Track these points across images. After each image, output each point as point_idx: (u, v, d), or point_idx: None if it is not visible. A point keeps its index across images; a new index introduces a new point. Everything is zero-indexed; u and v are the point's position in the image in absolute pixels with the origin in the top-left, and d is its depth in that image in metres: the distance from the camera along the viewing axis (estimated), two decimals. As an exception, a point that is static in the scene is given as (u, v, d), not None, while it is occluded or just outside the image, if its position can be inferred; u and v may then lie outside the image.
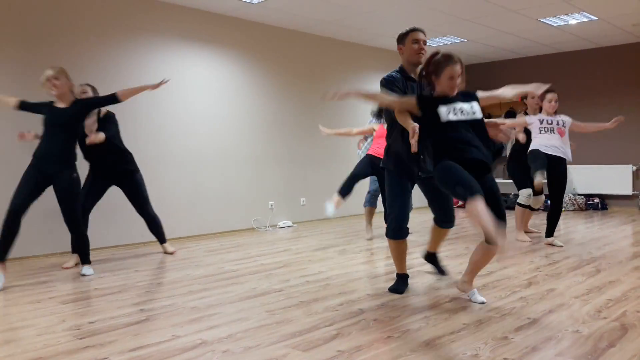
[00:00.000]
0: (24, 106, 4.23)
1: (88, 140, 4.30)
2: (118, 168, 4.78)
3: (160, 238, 5.16)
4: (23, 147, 5.02)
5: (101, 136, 4.33)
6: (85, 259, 4.33)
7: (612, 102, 8.72)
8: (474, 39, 8.08)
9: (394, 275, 3.90)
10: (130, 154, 4.87)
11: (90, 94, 4.55)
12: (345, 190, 5.46)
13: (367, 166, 5.50)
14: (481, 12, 6.63)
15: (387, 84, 3.40)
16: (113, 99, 4.21)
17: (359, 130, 5.88)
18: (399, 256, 3.58)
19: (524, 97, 5.51)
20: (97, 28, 5.54)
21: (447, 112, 3.02)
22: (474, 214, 2.67)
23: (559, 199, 5.12)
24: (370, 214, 5.92)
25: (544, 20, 7.07)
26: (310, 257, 4.87)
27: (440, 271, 4.01)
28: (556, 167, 4.98)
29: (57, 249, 5.19)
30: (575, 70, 9.01)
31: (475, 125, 3.07)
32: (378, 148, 5.37)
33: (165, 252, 5.18)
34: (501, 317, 2.91)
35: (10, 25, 5.00)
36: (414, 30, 3.45)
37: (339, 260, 4.66)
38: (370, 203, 5.87)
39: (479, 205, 2.66)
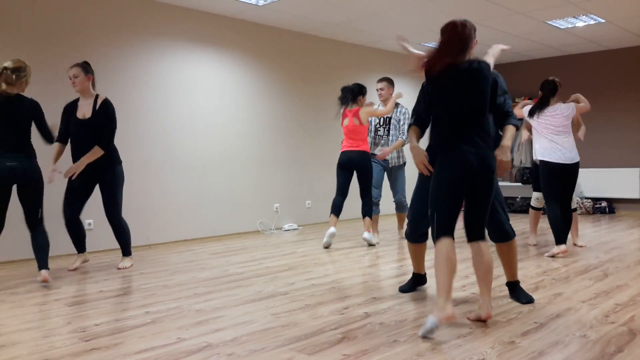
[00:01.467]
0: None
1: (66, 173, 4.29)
2: (101, 161, 4.35)
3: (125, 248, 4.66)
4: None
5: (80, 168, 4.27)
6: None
7: (619, 104, 8.68)
8: (480, 41, 7.98)
9: (400, 279, 3.92)
10: (116, 149, 4.49)
11: (82, 75, 4.29)
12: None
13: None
14: (488, 14, 6.61)
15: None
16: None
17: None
18: (415, 257, 3.62)
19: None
20: (105, 30, 5.56)
21: None
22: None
23: (546, 203, 4.86)
24: (375, 221, 5.73)
25: (550, 22, 7.04)
26: (315, 260, 4.86)
27: None
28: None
29: (63, 250, 5.20)
30: (583, 73, 8.97)
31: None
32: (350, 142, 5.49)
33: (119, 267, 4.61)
34: (508, 321, 2.89)
35: (19, 27, 5.02)
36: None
37: (344, 263, 4.65)
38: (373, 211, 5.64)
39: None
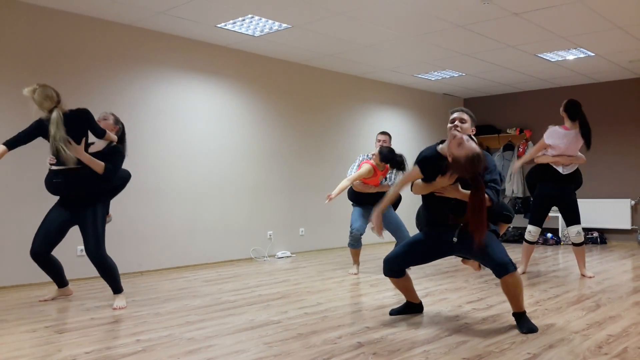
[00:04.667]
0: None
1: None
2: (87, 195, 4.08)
3: (113, 286, 4.18)
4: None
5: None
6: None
7: (610, 136, 8.79)
8: (473, 73, 8.19)
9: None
10: (108, 192, 4.30)
11: (111, 123, 4.26)
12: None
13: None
14: (480, 47, 6.73)
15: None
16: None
17: (356, 175, 5.42)
18: (402, 289, 3.72)
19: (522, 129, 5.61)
20: (101, 58, 5.61)
21: None
22: None
23: None
24: (356, 254, 5.66)
25: (541, 55, 7.18)
26: (308, 288, 4.84)
27: None
28: None
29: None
30: (573, 105, 9.09)
31: None
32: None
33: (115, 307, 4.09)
34: (501, 352, 2.88)
35: (16, 52, 5.06)
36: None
37: (337, 292, 4.63)
38: (354, 246, 5.55)
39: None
